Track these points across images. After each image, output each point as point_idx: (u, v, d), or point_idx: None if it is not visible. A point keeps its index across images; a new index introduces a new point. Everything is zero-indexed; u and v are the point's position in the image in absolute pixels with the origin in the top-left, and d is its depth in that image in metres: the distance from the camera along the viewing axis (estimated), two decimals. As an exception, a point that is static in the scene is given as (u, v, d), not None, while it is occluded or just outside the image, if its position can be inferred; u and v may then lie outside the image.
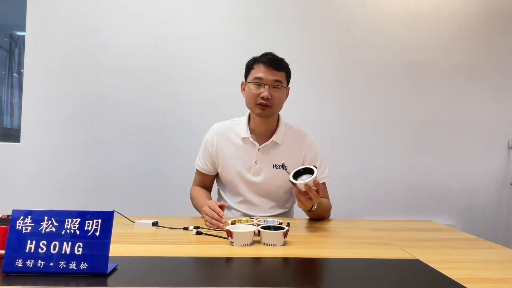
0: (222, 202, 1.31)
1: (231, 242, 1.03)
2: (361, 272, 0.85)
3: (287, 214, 1.60)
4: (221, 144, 1.54)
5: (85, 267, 0.75)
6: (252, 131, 1.53)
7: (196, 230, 1.15)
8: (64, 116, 2.25)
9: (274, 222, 1.18)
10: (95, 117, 2.26)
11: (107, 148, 2.26)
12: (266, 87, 1.42)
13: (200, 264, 0.88)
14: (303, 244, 1.06)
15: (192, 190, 1.59)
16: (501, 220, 2.52)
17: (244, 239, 1.03)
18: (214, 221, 1.24)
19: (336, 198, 1.46)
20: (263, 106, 1.44)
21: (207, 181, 1.60)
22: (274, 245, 1.03)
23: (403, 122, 2.43)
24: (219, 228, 1.21)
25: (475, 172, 2.48)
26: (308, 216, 1.45)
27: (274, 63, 1.44)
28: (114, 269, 0.80)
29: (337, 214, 1.49)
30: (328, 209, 1.50)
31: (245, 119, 1.55)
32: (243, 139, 1.52)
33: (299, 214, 1.62)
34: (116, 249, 0.96)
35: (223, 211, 1.27)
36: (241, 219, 1.20)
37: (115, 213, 1.32)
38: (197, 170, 1.60)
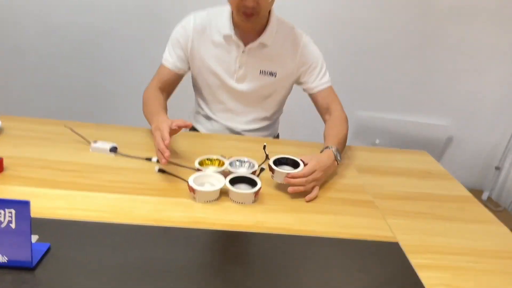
0: (185, 122, 1.02)
1: (194, 197, 0.90)
2: (328, 261, 0.78)
3: (272, 126, 1.44)
4: (198, 41, 1.23)
5: (5, 261, 0.64)
6: (236, 25, 1.21)
7: (158, 168, 1.00)
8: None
9: (250, 167, 1.02)
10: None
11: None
12: None
13: (152, 239, 0.78)
14: (274, 203, 0.94)
15: (146, 92, 1.25)
16: (499, 129, 2.42)
17: (207, 197, 0.90)
18: (159, 154, 0.98)
19: (335, 89, 1.30)
20: (247, 15, 1.10)
21: (171, 82, 1.28)
22: (242, 203, 0.92)
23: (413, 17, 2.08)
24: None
25: (483, 77, 2.29)
26: None
27: None
28: (48, 251, 0.69)
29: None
30: (345, 132, 1.21)
31: (228, 10, 1.21)
32: (226, 37, 1.21)
33: (284, 132, 1.49)
34: (61, 201, 0.84)
35: (188, 128, 1.08)
36: (211, 158, 1.04)
37: (69, 129, 1.13)
38: (163, 66, 1.27)
